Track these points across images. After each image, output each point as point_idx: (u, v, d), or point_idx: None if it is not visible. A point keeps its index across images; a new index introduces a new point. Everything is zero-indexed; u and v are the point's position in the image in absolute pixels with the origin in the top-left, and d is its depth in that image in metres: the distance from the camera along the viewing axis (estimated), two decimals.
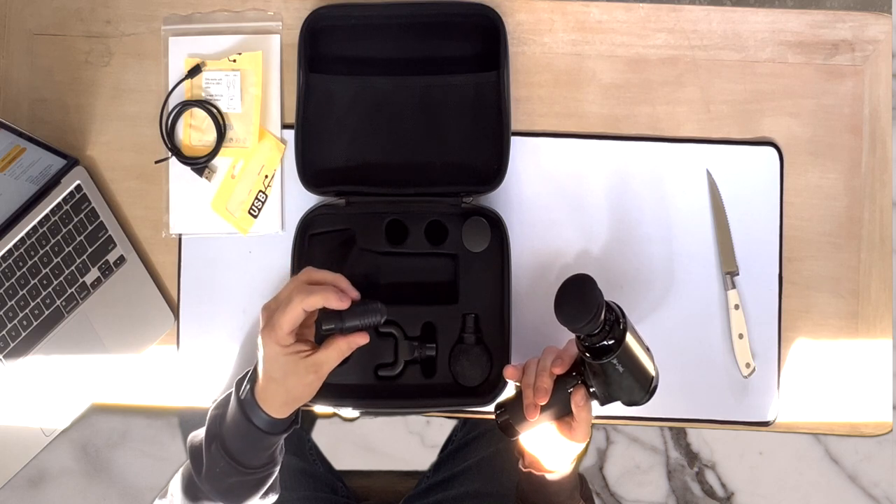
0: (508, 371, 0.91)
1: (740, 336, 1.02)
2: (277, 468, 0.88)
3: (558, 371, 0.87)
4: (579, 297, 0.79)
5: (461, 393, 1.00)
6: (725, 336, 1.03)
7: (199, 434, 0.88)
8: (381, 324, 0.83)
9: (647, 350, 0.85)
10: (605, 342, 0.81)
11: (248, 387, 0.83)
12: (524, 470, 0.93)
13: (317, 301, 0.79)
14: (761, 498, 1.90)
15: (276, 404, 0.82)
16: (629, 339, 0.81)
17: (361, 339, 0.83)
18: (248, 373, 0.86)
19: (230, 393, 0.87)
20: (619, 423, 1.05)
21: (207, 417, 0.87)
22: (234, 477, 0.84)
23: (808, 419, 1.04)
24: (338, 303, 0.80)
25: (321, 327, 0.82)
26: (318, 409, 1.06)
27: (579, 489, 0.96)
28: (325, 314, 0.82)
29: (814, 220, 1.05)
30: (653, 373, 0.85)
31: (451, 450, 1.26)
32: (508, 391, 0.99)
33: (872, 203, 1.05)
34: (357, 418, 1.04)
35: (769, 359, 1.03)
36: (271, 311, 0.81)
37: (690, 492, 1.90)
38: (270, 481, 0.88)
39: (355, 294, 0.83)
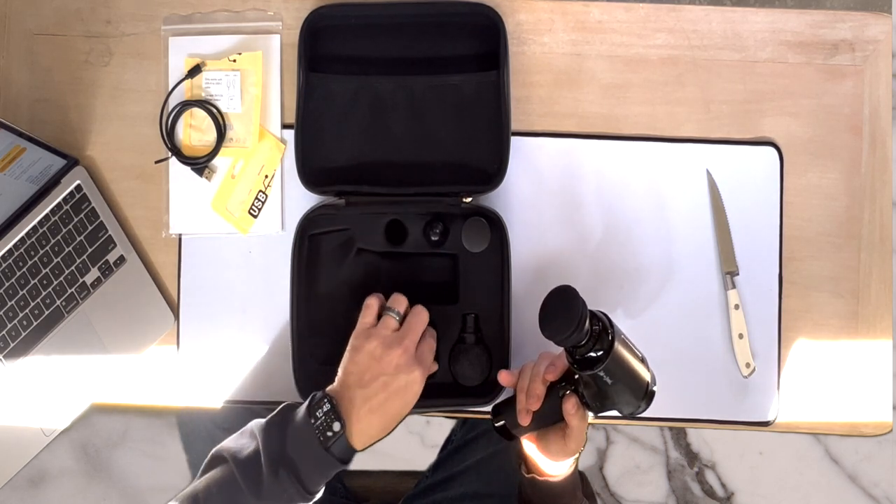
0: (502, 375, 0.91)
1: (740, 336, 1.02)
2: None
3: (550, 377, 0.86)
4: (561, 309, 0.79)
5: (461, 393, 1.00)
6: (725, 336, 1.03)
7: (236, 448, 0.85)
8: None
9: (642, 360, 0.83)
10: (591, 353, 0.80)
11: (331, 420, 0.85)
12: (527, 476, 0.93)
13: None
14: (761, 498, 1.90)
15: (370, 437, 0.87)
16: (618, 348, 0.80)
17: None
18: (305, 402, 0.87)
19: (284, 413, 0.87)
20: (619, 423, 1.05)
21: (260, 437, 0.85)
22: (296, 502, 0.84)
23: (808, 419, 1.03)
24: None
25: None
26: None
27: (580, 488, 0.96)
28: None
29: (814, 220, 1.05)
30: (647, 380, 0.83)
31: (451, 450, 1.26)
32: (508, 392, 0.99)
33: (872, 203, 1.05)
34: None
35: (769, 359, 1.03)
36: (405, 348, 0.89)
37: (690, 492, 1.90)
38: None
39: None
